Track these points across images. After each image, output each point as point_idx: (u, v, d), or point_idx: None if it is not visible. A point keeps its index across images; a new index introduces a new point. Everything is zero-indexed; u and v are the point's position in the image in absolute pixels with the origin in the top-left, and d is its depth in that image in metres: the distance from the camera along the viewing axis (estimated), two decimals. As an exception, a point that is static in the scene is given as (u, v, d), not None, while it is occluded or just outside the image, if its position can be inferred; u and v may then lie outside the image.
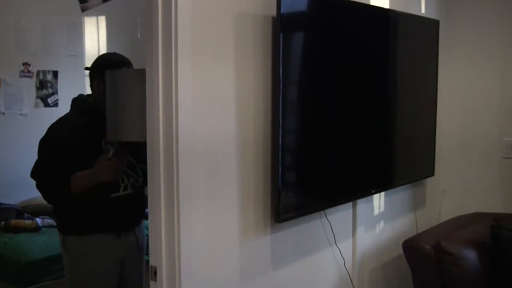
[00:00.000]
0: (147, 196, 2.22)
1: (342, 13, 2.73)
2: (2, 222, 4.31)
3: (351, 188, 2.93)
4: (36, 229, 4.26)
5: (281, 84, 2.33)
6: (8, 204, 4.56)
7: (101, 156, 2.57)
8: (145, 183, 2.75)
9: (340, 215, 2.97)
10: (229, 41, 2.23)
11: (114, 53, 2.83)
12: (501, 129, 3.85)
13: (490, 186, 3.92)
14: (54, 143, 2.65)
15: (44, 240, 4.04)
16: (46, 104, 5.16)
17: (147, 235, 2.97)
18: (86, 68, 2.76)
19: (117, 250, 2.76)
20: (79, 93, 2.87)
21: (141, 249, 2.94)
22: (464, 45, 3.95)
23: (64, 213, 2.75)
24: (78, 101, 2.80)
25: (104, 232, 2.71)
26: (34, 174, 2.67)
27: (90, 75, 2.74)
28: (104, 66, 2.61)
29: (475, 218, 3.52)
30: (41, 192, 2.67)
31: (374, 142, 3.07)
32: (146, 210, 2.81)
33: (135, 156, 2.77)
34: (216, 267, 2.26)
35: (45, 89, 5.15)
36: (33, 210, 4.55)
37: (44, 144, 2.68)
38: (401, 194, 3.59)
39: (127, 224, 2.81)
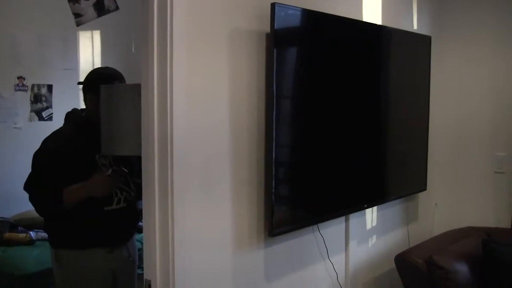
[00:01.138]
0: (140, 210, 2.23)
1: (335, 29, 2.76)
2: (-4, 236, 4.30)
3: (344, 202, 2.94)
4: (30, 242, 4.23)
5: (274, 99, 2.36)
6: (2, 217, 4.52)
7: (97, 173, 2.58)
8: (138, 197, 2.76)
9: (332, 229, 2.98)
10: (224, 57, 2.26)
11: (107, 67, 2.83)
12: (492, 144, 3.88)
13: (481, 201, 3.94)
14: (47, 156, 2.65)
15: (38, 253, 4.02)
16: (41, 118, 5.14)
17: (140, 249, 2.99)
18: (79, 83, 2.76)
19: (109, 264, 2.75)
20: (73, 107, 2.89)
21: (133, 263, 2.94)
22: (456, 61, 4.00)
23: (56, 227, 2.74)
24: (72, 115, 2.81)
25: (97, 246, 2.70)
26: (27, 187, 2.66)
27: (84, 90, 2.74)
28: (96, 80, 2.61)
29: (467, 232, 3.54)
30: (33, 205, 2.66)
31: (366, 157, 3.10)
32: (140, 223, 2.82)
33: (128, 170, 2.78)
34: (210, 280, 2.27)
35: (40, 102, 5.14)
36: (27, 224, 4.52)
37: (38, 157, 2.67)
38: (393, 208, 3.61)
39: (119, 238, 2.81)
